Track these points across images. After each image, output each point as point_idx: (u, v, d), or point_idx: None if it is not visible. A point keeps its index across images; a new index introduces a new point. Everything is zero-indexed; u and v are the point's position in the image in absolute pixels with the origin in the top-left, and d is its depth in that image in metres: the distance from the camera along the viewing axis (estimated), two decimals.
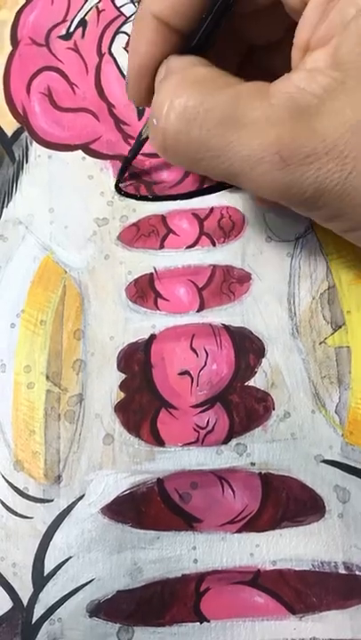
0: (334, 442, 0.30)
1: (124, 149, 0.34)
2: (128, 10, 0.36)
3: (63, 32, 0.36)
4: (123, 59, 0.35)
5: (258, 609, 0.28)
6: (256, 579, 0.28)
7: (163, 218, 0.33)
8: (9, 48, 0.36)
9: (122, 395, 0.31)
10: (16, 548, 0.29)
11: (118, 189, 0.33)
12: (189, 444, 0.30)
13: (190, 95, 0.22)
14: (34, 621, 0.29)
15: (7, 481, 0.30)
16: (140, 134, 0.31)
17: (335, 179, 0.22)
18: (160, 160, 0.33)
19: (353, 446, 0.29)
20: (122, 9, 0.36)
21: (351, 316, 0.31)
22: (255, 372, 0.30)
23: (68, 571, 0.29)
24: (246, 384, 0.30)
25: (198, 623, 0.28)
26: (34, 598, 0.29)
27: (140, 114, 0.34)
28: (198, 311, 0.31)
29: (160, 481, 0.30)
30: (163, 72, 0.25)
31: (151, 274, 0.32)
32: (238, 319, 0.31)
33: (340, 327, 0.31)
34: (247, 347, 0.31)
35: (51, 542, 0.29)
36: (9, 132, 0.35)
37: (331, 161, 0.21)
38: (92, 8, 0.36)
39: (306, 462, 0.29)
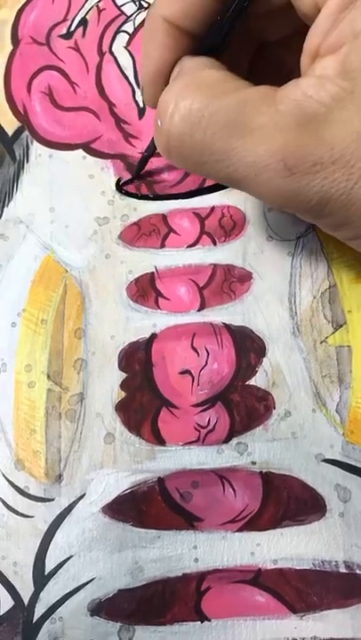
0: (335, 441, 0.30)
1: (125, 148, 0.34)
2: (129, 9, 0.36)
3: (64, 31, 0.36)
4: (123, 58, 0.35)
5: (259, 608, 0.28)
6: (257, 578, 0.28)
7: (164, 217, 0.33)
8: (10, 47, 0.36)
9: (123, 394, 0.31)
10: (17, 547, 0.29)
11: (119, 188, 0.33)
12: (190, 443, 0.30)
13: (196, 98, 0.22)
14: (35, 620, 0.29)
15: (8, 480, 0.30)
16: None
17: (341, 188, 0.21)
18: (161, 159, 0.33)
19: (354, 445, 0.29)
20: (123, 8, 0.36)
21: (352, 315, 0.31)
22: (256, 372, 0.30)
23: (69, 570, 0.29)
24: (247, 383, 0.30)
25: (199, 622, 0.28)
26: (35, 597, 0.29)
27: (141, 113, 0.34)
28: (199, 310, 0.31)
29: (161, 480, 0.30)
30: (176, 74, 0.25)
31: (152, 273, 0.32)
32: (239, 318, 0.31)
33: (340, 326, 0.31)
34: (248, 346, 0.31)
35: (52, 541, 0.29)
36: (10, 131, 0.35)
37: (337, 170, 0.21)
38: (92, 7, 0.36)
39: (307, 461, 0.29)
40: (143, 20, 0.35)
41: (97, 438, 0.30)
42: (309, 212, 0.23)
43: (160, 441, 0.30)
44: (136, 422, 0.30)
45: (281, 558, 0.29)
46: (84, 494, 0.30)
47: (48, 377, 0.31)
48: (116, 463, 0.30)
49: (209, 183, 0.33)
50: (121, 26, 0.35)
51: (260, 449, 0.30)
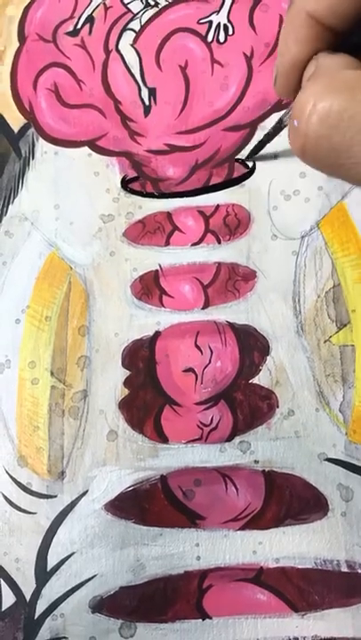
0: (338, 440, 0.30)
1: (130, 146, 0.34)
2: (135, 7, 0.36)
3: (70, 28, 0.36)
4: (130, 55, 0.35)
5: (260, 606, 0.28)
6: (259, 576, 0.28)
7: (168, 215, 0.33)
8: (16, 44, 0.36)
9: (126, 391, 0.31)
10: (19, 543, 0.30)
11: (124, 186, 0.33)
12: (193, 441, 0.30)
13: (335, 100, 0.22)
14: (36, 616, 0.29)
15: (11, 476, 0.30)
16: (282, 120, 0.30)
17: None
18: (166, 157, 0.33)
19: (357, 445, 0.29)
20: (129, 6, 0.36)
21: (356, 314, 0.31)
22: (259, 370, 0.30)
23: (71, 566, 0.29)
24: (250, 382, 0.30)
25: (200, 620, 0.28)
26: (36, 593, 0.29)
27: (147, 111, 0.34)
28: (203, 308, 0.31)
29: (163, 478, 0.30)
30: (311, 69, 0.24)
31: (156, 271, 0.32)
32: (243, 317, 0.31)
33: (344, 325, 0.31)
34: (252, 344, 0.31)
35: (54, 538, 0.29)
36: (15, 127, 0.35)
37: None
38: (99, 5, 0.36)
39: (309, 460, 0.29)
40: (149, 19, 0.35)
41: (100, 435, 0.30)
42: None
43: (163, 439, 0.30)
44: (139, 420, 0.30)
45: (283, 557, 0.29)
46: (86, 491, 0.30)
47: (52, 374, 0.31)
48: (118, 460, 0.30)
49: (214, 181, 0.33)
50: (127, 24, 0.35)
51: (263, 447, 0.30)
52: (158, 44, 0.35)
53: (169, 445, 0.30)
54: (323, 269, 0.31)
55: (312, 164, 0.24)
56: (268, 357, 0.31)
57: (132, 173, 0.34)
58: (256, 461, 0.30)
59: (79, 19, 0.36)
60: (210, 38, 0.35)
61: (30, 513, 0.30)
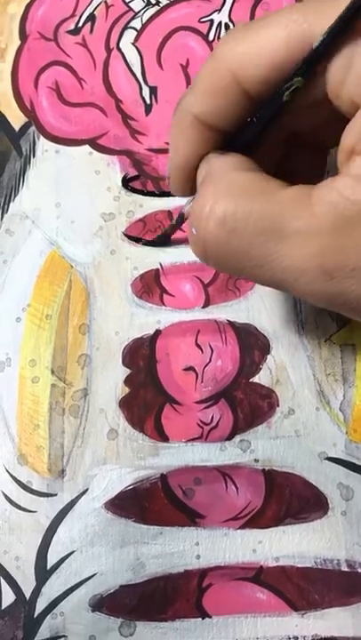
0: (338, 439, 0.30)
1: (132, 145, 0.34)
2: (137, 5, 0.36)
3: (72, 27, 0.36)
4: (131, 54, 0.35)
5: (260, 605, 0.28)
6: (259, 575, 0.28)
7: (169, 213, 0.33)
8: (18, 42, 0.36)
9: (126, 390, 0.31)
10: (19, 541, 0.29)
11: (125, 184, 0.33)
12: (193, 439, 0.30)
13: (229, 204, 0.22)
14: (36, 615, 0.29)
15: (11, 475, 0.30)
16: (182, 215, 0.30)
17: None
18: (166, 156, 0.33)
19: (357, 444, 0.29)
20: (130, 4, 0.36)
21: None
22: (260, 369, 0.30)
23: (71, 565, 0.29)
24: (251, 380, 0.30)
25: (200, 619, 0.28)
26: (36, 592, 0.29)
27: (148, 110, 0.34)
28: (204, 307, 0.31)
29: (164, 476, 0.30)
30: (203, 171, 0.24)
31: (157, 269, 0.32)
32: (244, 315, 0.31)
33: (345, 324, 0.31)
34: (252, 343, 0.31)
35: (54, 536, 0.29)
36: (16, 126, 0.35)
37: None
38: (100, 3, 0.36)
39: (310, 459, 0.29)
40: (151, 17, 0.35)
41: (100, 434, 0.30)
42: (351, 312, 0.22)
43: (163, 437, 0.30)
44: (139, 418, 0.30)
45: (283, 556, 0.29)
46: (86, 490, 0.30)
47: (52, 372, 0.31)
48: (119, 459, 0.30)
49: None
50: (129, 22, 0.35)
51: (264, 446, 0.30)
52: (159, 42, 0.35)
53: (169, 444, 0.30)
54: None
55: (216, 267, 0.24)
56: (268, 356, 0.31)
57: (132, 172, 0.34)
58: (256, 460, 0.30)
59: (80, 17, 0.36)
60: (211, 37, 0.35)
61: (30, 511, 0.30)
